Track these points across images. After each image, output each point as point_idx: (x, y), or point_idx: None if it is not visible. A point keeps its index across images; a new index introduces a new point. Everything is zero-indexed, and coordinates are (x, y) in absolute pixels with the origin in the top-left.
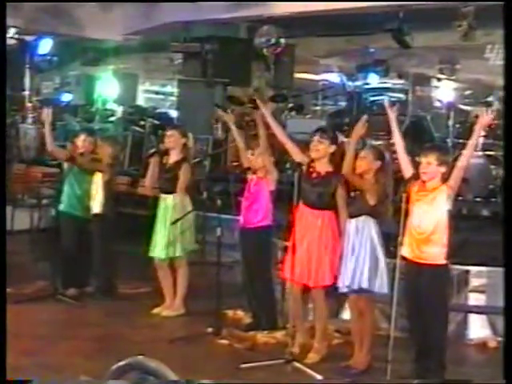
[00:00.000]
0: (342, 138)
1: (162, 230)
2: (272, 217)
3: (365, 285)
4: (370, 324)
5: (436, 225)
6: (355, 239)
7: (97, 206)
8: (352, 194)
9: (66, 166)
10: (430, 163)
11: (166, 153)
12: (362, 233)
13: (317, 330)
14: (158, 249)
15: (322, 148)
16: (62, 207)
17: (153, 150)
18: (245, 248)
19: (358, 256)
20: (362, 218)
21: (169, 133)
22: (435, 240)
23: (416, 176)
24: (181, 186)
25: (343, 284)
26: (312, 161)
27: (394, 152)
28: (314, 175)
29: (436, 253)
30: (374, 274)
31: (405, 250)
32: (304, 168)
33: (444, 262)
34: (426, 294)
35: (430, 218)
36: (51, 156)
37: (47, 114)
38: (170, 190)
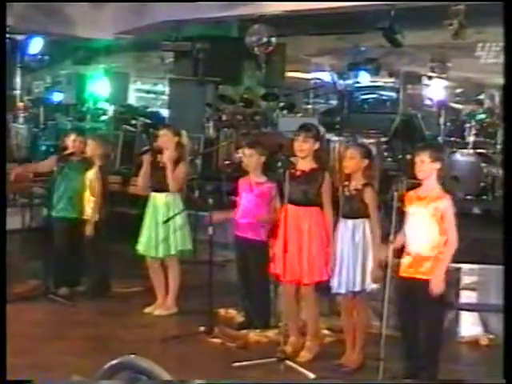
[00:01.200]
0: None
1: (154, 229)
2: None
3: (357, 288)
4: (364, 323)
5: (432, 237)
6: (350, 241)
7: (88, 206)
8: (347, 193)
9: (56, 166)
10: (424, 161)
11: (160, 152)
12: (358, 235)
13: (309, 328)
14: (150, 247)
15: (306, 147)
16: (53, 207)
17: (146, 148)
18: (240, 248)
19: (353, 258)
20: (360, 220)
21: (161, 132)
22: (432, 254)
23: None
24: (178, 184)
25: (337, 285)
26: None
27: (385, 150)
28: (299, 173)
29: (434, 268)
30: (366, 275)
31: (403, 271)
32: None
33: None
34: (422, 305)
35: (425, 229)
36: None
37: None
38: (164, 189)
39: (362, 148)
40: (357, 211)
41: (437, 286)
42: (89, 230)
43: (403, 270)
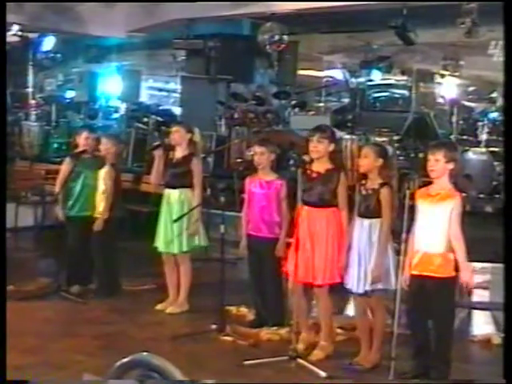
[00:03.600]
0: (340, 134)
1: (169, 225)
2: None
3: (374, 287)
4: (381, 322)
5: (441, 234)
6: (367, 240)
7: (101, 204)
8: (364, 192)
9: (70, 165)
10: (438, 160)
11: (172, 148)
12: (375, 234)
13: (323, 327)
14: (167, 244)
15: (321, 148)
16: (70, 207)
17: (157, 143)
18: (252, 245)
19: (369, 257)
20: (377, 219)
21: (174, 128)
22: (442, 251)
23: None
24: (198, 181)
25: (355, 284)
26: (311, 161)
27: (398, 148)
28: (315, 175)
29: (444, 265)
30: (383, 274)
31: (413, 268)
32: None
33: (453, 274)
34: (432, 304)
35: (434, 226)
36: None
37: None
38: (179, 185)
39: (377, 147)
40: (373, 211)
41: (470, 282)
42: (99, 227)
43: (413, 268)
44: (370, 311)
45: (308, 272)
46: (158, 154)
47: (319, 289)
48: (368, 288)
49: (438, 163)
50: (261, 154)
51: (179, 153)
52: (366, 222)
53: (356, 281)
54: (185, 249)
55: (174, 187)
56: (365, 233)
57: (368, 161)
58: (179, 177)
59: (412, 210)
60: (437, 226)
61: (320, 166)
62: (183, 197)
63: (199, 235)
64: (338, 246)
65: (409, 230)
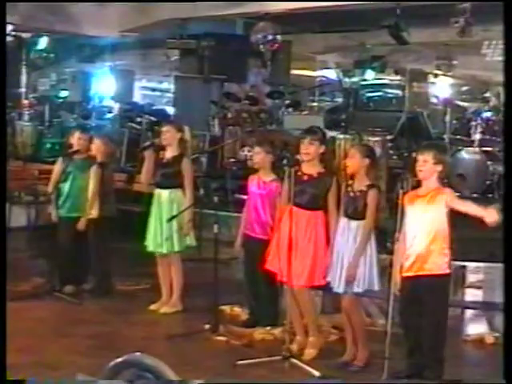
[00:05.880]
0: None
1: (159, 225)
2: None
3: (360, 288)
4: (358, 322)
5: (434, 233)
6: (353, 242)
7: (94, 204)
8: (351, 194)
9: (62, 165)
10: (427, 161)
11: (163, 148)
12: (359, 235)
13: (308, 324)
14: (157, 244)
15: (312, 150)
16: (60, 207)
17: (148, 143)
18: (248, 246)
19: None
20: (363, 221)
21: (164, 128)
22: (436, 250)
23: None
24: (189, 181)
25: (337, 285)
26: (301, 162)
27: (391, 148)
28: (306, 178)
29: (438, 263)
30: (361, 275)
31: (407, 270)
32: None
33: (447, 271)
34: (426, 303)
35: (427, 226)
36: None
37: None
38: (169, 185)
39: (363, 147)
40: (361, 212)
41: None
42: (82, 227)
43: (407, 269)
44: (344, 312)
45: (288, 273)
46: (148, 154)
47: (298, 290)
48: (342, 289)
49: (427, 164)
50: (257, 154)
51: (170, 153)
52: (353, 223)
53: (338, 281)
54: (176, 249)
55: (164, 187)
56: (351, 234)
57: (354, 161)
58: (169, 177)
59: (403, 211)
60: (431, 224)
61: (311, 169)
62: (173, 196)
63: (190, 235)
64: (322, 250)
65: (401, 230)
